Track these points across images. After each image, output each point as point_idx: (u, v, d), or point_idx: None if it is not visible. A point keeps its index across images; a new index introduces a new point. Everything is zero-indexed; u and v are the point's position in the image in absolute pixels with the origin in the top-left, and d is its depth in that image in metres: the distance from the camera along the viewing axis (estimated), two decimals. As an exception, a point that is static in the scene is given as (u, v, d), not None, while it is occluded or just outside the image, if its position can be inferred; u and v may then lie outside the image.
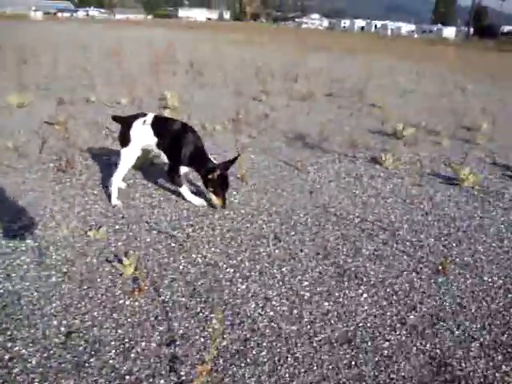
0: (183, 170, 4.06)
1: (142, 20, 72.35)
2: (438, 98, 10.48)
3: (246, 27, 42.62)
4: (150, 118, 3.98)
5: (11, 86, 9.10)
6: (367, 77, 11.22)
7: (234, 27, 46.35)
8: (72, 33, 27.45)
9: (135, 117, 4.04)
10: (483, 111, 9.01)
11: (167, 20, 77.31)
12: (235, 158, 3.94)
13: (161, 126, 4.01)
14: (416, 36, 51.57)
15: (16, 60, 12.09)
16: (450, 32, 62.69)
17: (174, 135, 3.98)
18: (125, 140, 4.01)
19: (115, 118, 4.31)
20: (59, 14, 76.94)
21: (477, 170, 5.48)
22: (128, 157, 4.03)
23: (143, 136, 3.97)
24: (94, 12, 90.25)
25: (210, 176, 3.83)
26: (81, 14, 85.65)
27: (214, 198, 3.96)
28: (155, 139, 4.00)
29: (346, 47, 22.48)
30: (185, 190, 4.15)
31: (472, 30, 55.01)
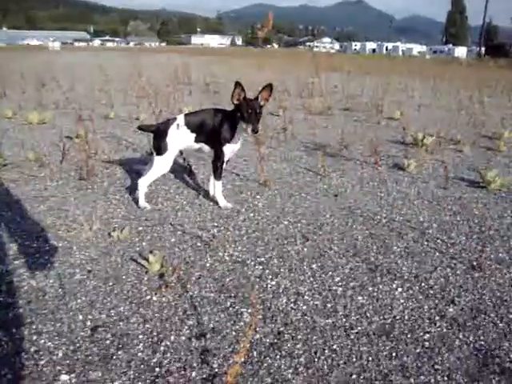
0: (228, 152, 3.97)
1: (156, 47, 73.35)
2: (455, 111, 10.36)
3: (258, 51, 43.02)
4: (181, 119, 3.92)
5: (31, 105, 9.23)
6: (382, 93, 11.14)
7: (246, 52, 46.82)
8: (88, 60, 27.95)
9: (166, 124, 3.95)
10: (503, 121, 8.86)
11: (180, 47, 78.28)
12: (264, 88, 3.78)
13: (194, 120, 3.94)
14: (428, 57, 51.51)
15: (35, 83, 12.28)
16: (461, 52, 62.61)
17: (208, 122, 3.92)
18: (160, 148, 3.91)
19: (141, 128, 4.20)
20: (75, 44, 78.56)
21: (502, 174, 5.33)
22: (163, 164, 3.95)
23: (181, 139, 3.90)
24: (109, 43, 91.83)
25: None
26: (96, 42, 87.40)
27: (244, 126, 3.72)
28: (193, 135, 3.93)
29: (358, 68, 22.53)
30: (220, 185, 4.09)
31: (483, 49, 54.87)
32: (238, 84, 3.73)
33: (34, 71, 15.23)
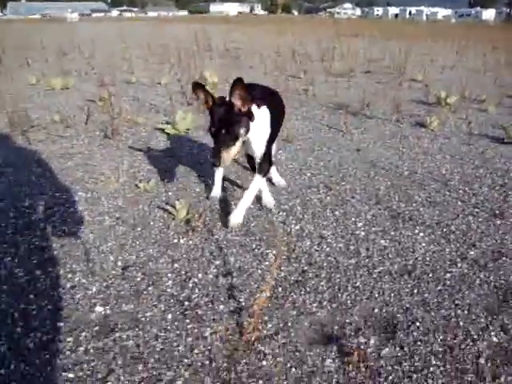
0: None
1: (173, 17, 72.17)
2: (480, 73, 10.14)
3: (278, 19, 42.39)
4: None
5: (54, 72, 9.30)
6: (405, 57, 10.94)
7: (266, 19, 46.18)
8: (107, 30, 27.90)
9: None
10: (530, 81, 8.66)
11: (199, 16, 77.01)
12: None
13: None
14: (453, 21, 49.91)
15: (56, 53, 12.37)
16: (489, 14, 60.06)
17: None
18: None
19: None
20: (93, 15, 78.21)
21: (527, 130, 5.25)
22: None
23: None
24: (127, 13, 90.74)
25: None
26: (114, 13, 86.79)
27: None
28: None
29: (380, 33, 22.08)
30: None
31: (514, 10, 52.60)
32: (196, 86, 2.60)
33: (54, 41, 15.31)
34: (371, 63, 10.96)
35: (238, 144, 2.58)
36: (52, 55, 12.15)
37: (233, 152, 2.56)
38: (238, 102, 2.52)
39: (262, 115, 2.74)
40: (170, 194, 3.46)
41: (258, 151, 2.88)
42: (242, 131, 2.56)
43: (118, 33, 18.49)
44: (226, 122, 2.51)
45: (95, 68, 9.87)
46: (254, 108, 2.65)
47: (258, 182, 2.97)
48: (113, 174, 3.70)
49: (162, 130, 5.02)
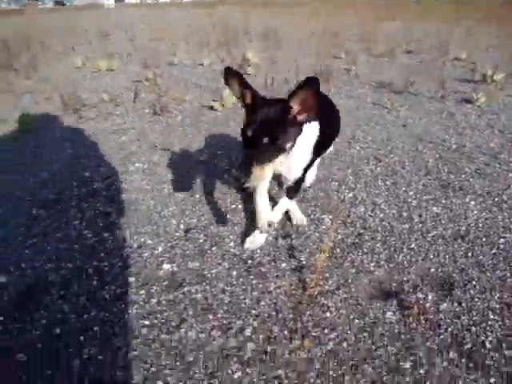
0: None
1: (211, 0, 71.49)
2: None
3: (313, 1, 41.82)
4: None
5: (98, 55, 9.53)
6: (446, 37, 10.75)
7: (301, 1, 45.69)
8: (145, 14, 28.19)
9: None
10: None
11: None
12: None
13: None
14: None
15: (98, 35, 12.62)
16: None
17: None
18: None
19: None
20: (126, 0, 78.34)
21: None
22: None
23: None
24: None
25: None
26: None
27: None
28: None
29: (419, 15, 21.62)
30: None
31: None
32: (230, 72, 1.98)
33: (95, 26, 15.59)
34: (412, 43, 10.80)
35: (279, 160, 1.96)
36: (94, 40, 12.41)
37: (270, 170, 1.95)
38: (297, 107, 1.88)
39: (309, 132, 2.12)
40: (222, 164, 3.58)
41: (294, 174, 2.29)
42: (289, 145, 1.93)
43: (155, 17, 18.67)
44: (274, 127, 1.87)
45: (137, 50, 10.05)
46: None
47: (283, 206, 2.47)
48: (167, 146, 3.84)
49: (210, 108, 5.13)
